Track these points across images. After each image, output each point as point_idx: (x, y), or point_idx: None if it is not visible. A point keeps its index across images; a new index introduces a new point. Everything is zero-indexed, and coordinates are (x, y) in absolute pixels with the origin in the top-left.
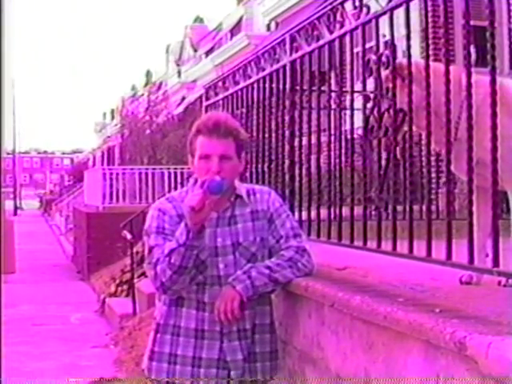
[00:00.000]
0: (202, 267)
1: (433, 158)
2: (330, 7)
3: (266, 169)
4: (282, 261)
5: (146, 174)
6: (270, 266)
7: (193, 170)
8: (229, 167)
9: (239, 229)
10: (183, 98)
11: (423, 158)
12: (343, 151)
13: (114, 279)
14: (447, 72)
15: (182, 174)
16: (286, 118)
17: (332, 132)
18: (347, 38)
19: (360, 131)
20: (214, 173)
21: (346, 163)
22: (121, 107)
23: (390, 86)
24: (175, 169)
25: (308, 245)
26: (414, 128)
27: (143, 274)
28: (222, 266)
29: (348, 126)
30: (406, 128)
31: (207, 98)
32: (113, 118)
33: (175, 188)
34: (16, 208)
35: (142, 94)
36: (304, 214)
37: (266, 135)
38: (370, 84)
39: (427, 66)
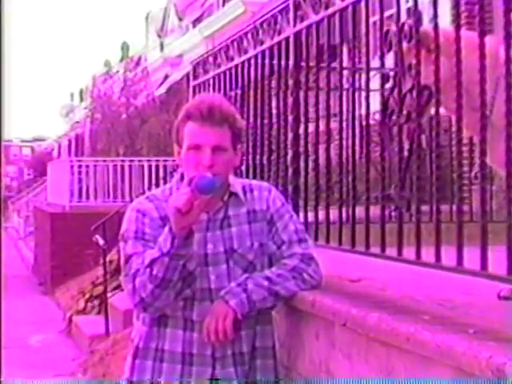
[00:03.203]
0: (189, 279)
1: (465, 149)
2: None
3: (265, 161)
4: (284, 271)
5: (122, 167)
6: (270, 277)
7: (179, 162)
8: (223, 161)
9: (233, 233)
10: (166, 77)
11: (453, 148)
12: (357, 140)
13: (84, 293)
14: (482, 44)
15: (165, 167)
16: (290, 100)
17: (344, 117)
18: (362, 5)
19: (377, 116)
20: (205, 167)
21: (360, 154)
22: (91, 87)
23: (414, 61)
24: (157, 161)
25: (315, 252)
26: (442, 111)
27: (118, 287)
28: (214, 277)
29: (363, 110)
30: (432, 111)
31: (195, 77)
32: (82, 99)
33: (157, 185)
34: None
35: (117, 71)
36: (310, 215)
37: (266, 121)
38: (389, 60)
39: (458, 38)
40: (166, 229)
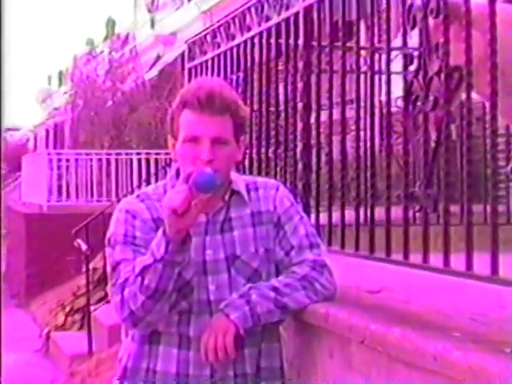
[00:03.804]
0: (185, 290)
1: (500, 140)
2: None
3: (271, 155)
4: (293, 280)
5: (108, 161)
6: (277, 288)
7: (174, 156)
8: (224, 154)
9: (236, 237)
10: (158, 57)
11: (487, 140)
12: (376, 131)
13: (63, 306)
14: None
15: (157, 161)
16: (299, 85)
17: (361, 104)
18: None
19: (400, 103)
20: (204, 162)
21: (380, 147)
22: (72, 69)
23: (441, 39)
24: (148, 155)
25: (328, 258)
26: (475, 96)
27: (103, 299)
28: (213, 287)
29: (383, 96)
30: (462, 97)
31: (191, 58)
32: (61, 83)
33: (148, 182)
34: None
35: (102, 51)
36: (323, 217)
37: (272, 109)
38: (414, 38)
39: (492, 11)
40: (160, 232)
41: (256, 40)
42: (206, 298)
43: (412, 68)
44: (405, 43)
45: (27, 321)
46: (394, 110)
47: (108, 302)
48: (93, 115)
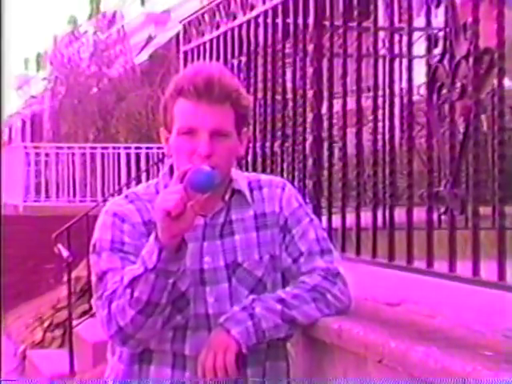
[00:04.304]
0: (181, 303)
1: None
2: None
3: (277, 149)
4: (302, 291)
5: (93, 156)
6: (284, 299)
7: (168, 151)
8: (224, 149)
9: (237, 242)
10: (149, 39)
11: None
12: (397, 122)
13: (42, 320)
14: None
15: (148, 157)
16: (309, 70)
17: (379, 92)
18: None
19: (423, 90)
20: (202, 157)
21: (400, 140)
22: (52, 51)
23: (470, 19)
24: (138, 149)
25: (342, 266)
26: (508, 83)
27: (87, 313)
28: (212, 299)
29: (404, 83)
30: (494, 84)
31: (187, 40)
32: (39, 67)
33: (138, 180)
34: None
35: (86, 32)
36: (336, 219)
37: (278, 97)
38: (439, 17)
39: None
40: (152, 238)
41: (260, 20)
42: (203, 311)
43: (437, 51)
44: (428, 23)
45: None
46: (416, 98)
47: (92, 316)
48: (76, 104)
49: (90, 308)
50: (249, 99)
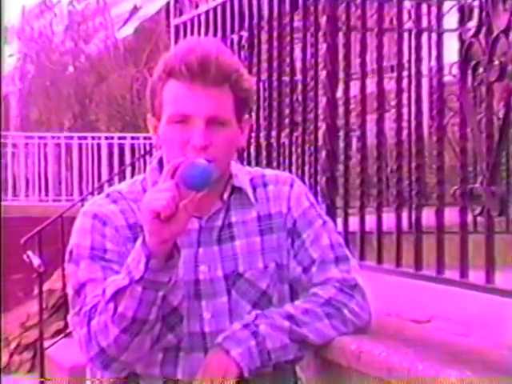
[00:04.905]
0: (173, 319)
1: None
2: None
3: (284, 139)
4: (314, 305)
5: (69, 147)
6: (293, 315)
7: (156, 142)
8: (222, 139)
9: (238, 248)
10: (134, 10)
11: None
12: (424, 107)
13: (8, 341)
14: None
15: (133, 148)
16: (322, 47)
17: (404, 73)
18: None
19: (455, 70)
20: (197, 149)
21: (429, 129)
22: (20, 24)
23: None
24: (122, 139)
25: (360, 276)
26: None
27: (62, 332)
28: (209, 315)
29: (433, 62)
30: None
31: (178, 12)
32: (5, 42)
33: (123, 176)
34: None
35: (59, 1)
36: (353, 221)
37: (285, 79)
38: None
39: None
40: (138, 243)
41: None
42: (198, 329)
43: (471, 24)
44: None
45: None
46: (447, 79)
47: (68, 335)
48: (48, 86)
49: (66, 326)
50: (251, 81)
